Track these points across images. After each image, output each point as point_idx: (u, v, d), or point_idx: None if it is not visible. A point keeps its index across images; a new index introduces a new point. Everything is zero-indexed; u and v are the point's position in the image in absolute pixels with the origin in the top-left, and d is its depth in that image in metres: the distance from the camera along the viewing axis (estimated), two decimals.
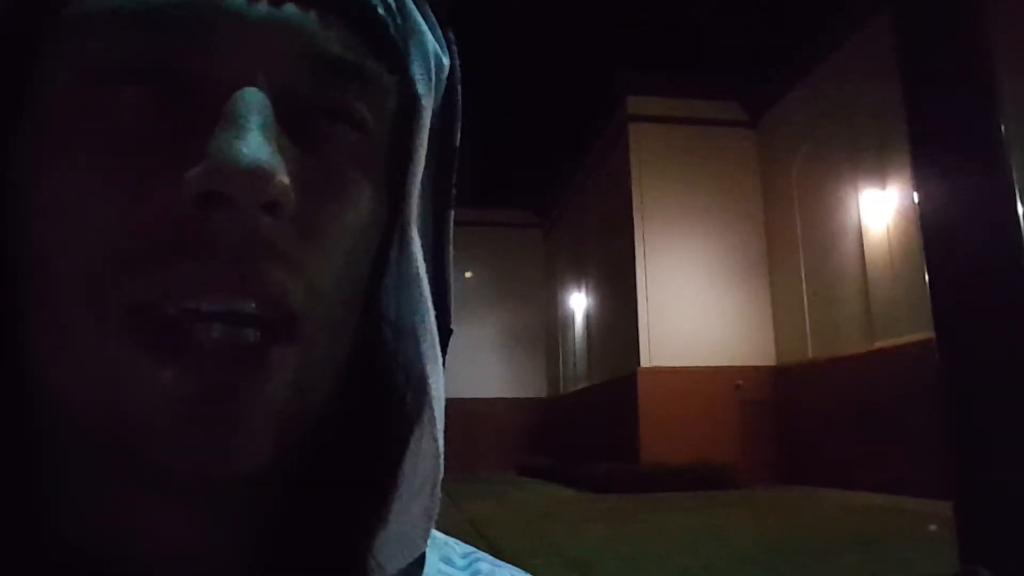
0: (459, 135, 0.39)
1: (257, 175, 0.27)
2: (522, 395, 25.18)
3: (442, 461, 0.33)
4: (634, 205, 17.40)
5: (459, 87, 0.39)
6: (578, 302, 22.77)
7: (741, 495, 13.40)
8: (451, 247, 0.38)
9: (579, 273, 22.63)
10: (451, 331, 0.37)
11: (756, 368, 16.71)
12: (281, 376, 0.29)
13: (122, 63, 0.28)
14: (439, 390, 0.34)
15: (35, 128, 0.30)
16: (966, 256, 1.84)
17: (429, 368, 0.33)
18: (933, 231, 1.97)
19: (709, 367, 16.60)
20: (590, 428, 20.01)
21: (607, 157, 19.30)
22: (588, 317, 21.91)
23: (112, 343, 0.28)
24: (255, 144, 0.27)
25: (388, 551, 0.32)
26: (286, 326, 0.29)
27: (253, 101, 0.28)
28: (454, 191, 0.39)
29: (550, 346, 25.79)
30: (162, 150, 0.28)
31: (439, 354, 0.34)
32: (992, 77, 1.93)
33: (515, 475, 20.02)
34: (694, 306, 17.02)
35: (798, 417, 15.43)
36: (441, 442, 0.33)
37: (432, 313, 0.34)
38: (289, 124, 0.29)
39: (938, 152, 1.97)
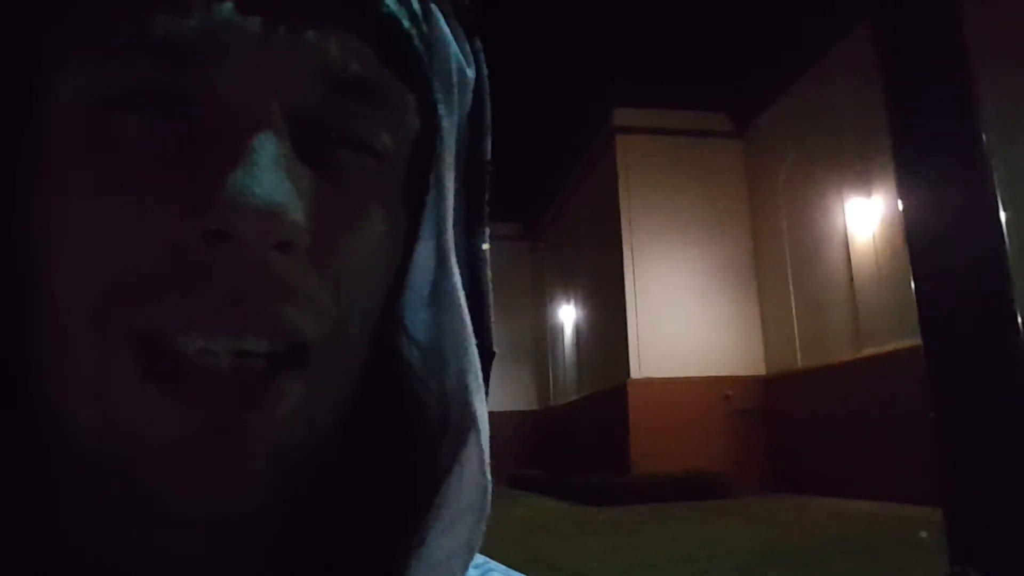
0: (490, 149, 0.37)
1: (268, 215, 0.26)
2: (512, 407, 25.13)
3: (490, 495, 0.32)
4: (622, 216, 17.45)
5: (488, 99, 0.37)
6: (567, 314, 22.77)
7: (733, 504, 13.39)
8: (488, 267, 0.37)
9: (567, 285, 22.64)
10: (493, 353, 0.36)
11: (746, 378, 16.74)
12: (287, 406, 0.28)
13: (132, 88, 0.28)
14: (484, 422, 0.33)
15: (40, 149, 0.29)
16: (951, 263, 1.86)
17: (475, 400, 0.33)
18: (918, 239, 1.98)
19: (699, 377, 16.61)
20: (581, 440, 19.98)
21: (594, 169, 19.36)
22: (577, 329, 21.92)
23: (117, 371, 0.27)
24: (268, 183, 0.26)
25: None
26: (296, 357, 0.28)
27: (267, 135, 0.27)
28: (487, 208, 0.37)
29: (539, 358, 25.78)
30: (172, 182, 0.27)
31: (483, 384, 0.33)
32: (972, 86, 1.95)
33: (507, 488, 19.93)
34: (683, 316, 17.06)
35: (788, 426, 15.46)
36: (489, 475, 0.32)
37: (474, 343, 0.33)
38: (305, 150, 0.29)
39: (921, 161, 1.99)
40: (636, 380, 16.65)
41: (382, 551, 0.33)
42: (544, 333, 25.37)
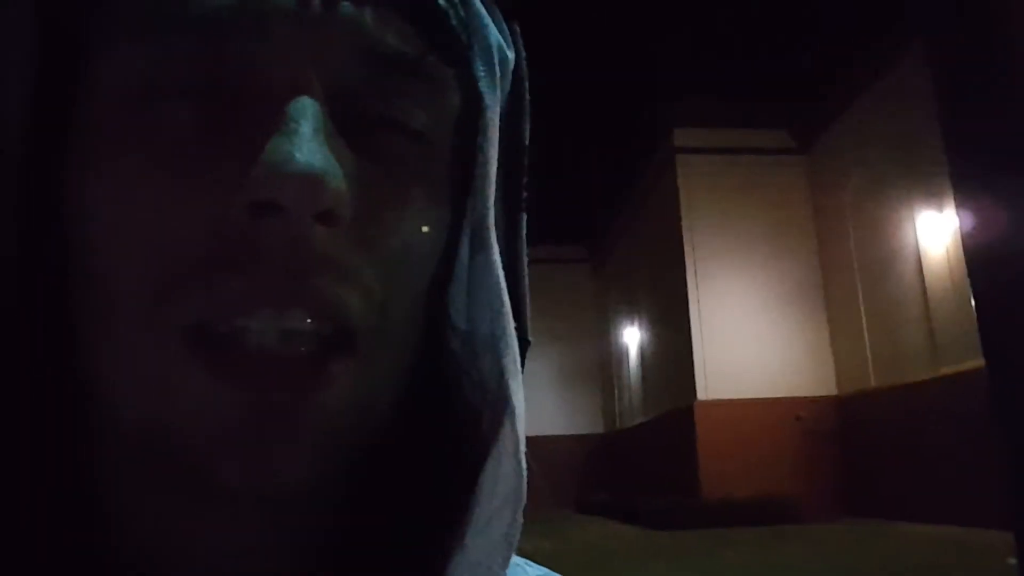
0: (528, 132, 0.37)
1: (310, 182, 0.25)
2: (578, 431, 24.96)
3: (525, 483, 0.30)
4: (684, 236, 17.31)
5: (526, 81, 0.36)
6: (631, 336, 22.60)
7: (806, 529, 13.04)
8: (525, 254, 0.37)
9: (632, 307, 22.50)
10: (528, 343, 0.36)
11: (816, 398, 16.34)
12: (338, 390, 0.28)
13: (174, 72, 0.27)
14: (520, 407, 0.31)
15: (85, 135, 0.29)
16: (1010, 279, 1.86)
17: (512, 384, 0.31)
18: (976, 255, 1.98)
19: (768, 398, 16.28)
20: (649, 463, 19.74)
21: (655, 190, 19.28)
22: (642, 351, 21.73)
23: (168, 358, 0.27)
24: (308, 150, 0.25)
25: None
26: (344, 339, 0.28)
27: (307, 107, 0.27)
28: (525, 193, 0.37)
29: (605, 381, 25.59)
30: (214, 161, 0.27)
31: (519, 368, 0.32)
32: None
33: (574, 512, 19.79)
34: (749, 336, 16.77)
35: (862, 448, 15.01)
36: (524, 462, 0.30)
37: (512, 325, 0.32)
38: (346, 128, 0.28)
39: (976, 176, 1.99)
40: (703, 402, 16.40)
41: (423, 547, 0.32)
42: (609, 356, 25.20)
